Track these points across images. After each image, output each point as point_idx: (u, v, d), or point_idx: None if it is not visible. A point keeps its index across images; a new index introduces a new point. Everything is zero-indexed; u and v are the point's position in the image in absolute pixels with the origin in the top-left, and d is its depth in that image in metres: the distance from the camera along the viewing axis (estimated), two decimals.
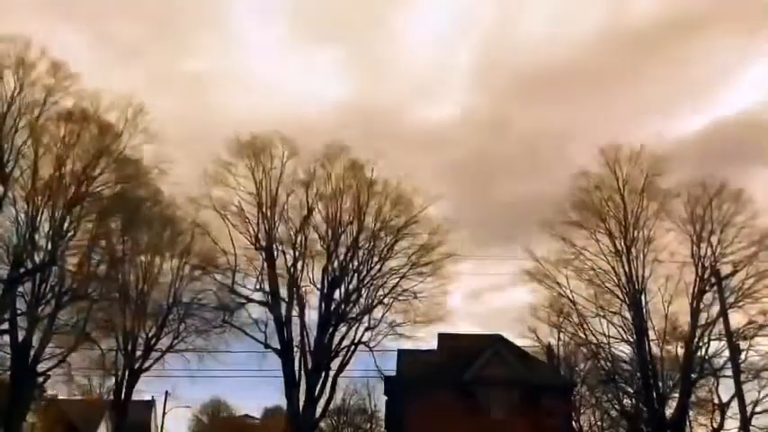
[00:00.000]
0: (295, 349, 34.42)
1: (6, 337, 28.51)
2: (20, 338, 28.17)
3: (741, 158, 65.17)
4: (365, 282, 35.63)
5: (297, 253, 35.58)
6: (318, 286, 35.40)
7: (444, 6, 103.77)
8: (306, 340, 34.49)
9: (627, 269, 34.74)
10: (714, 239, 34.14)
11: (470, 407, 32.92)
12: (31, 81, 28.80)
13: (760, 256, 33.25)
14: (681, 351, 34.02)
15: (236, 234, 35.24)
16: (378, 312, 35.51)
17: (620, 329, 34.88)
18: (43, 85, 28.97)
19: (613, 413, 38.95)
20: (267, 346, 34.35)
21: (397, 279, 35.66)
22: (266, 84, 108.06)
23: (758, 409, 33.33)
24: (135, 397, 37.76)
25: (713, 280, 31.03)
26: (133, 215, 31.84)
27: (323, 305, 35.11)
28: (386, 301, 35.61)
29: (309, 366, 34.13)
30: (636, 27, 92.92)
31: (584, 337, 36.64)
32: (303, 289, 35.32)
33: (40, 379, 30.72)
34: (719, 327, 30.59)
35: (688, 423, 35.03)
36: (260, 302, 35.22)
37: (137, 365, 35.70)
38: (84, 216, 30.08)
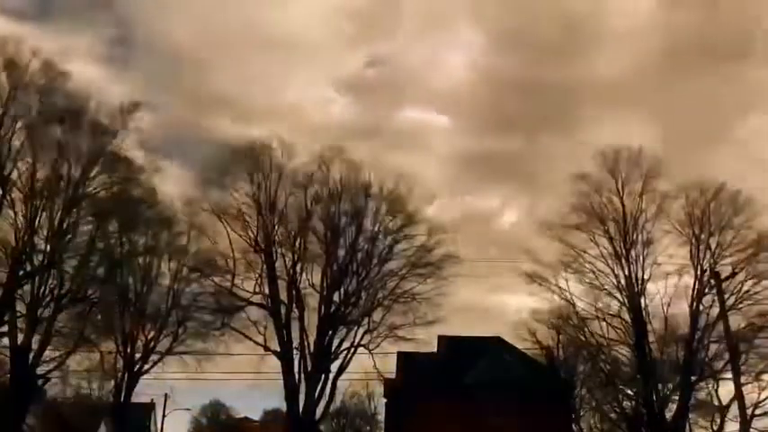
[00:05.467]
0: (294, 352, 34.43)
1: (6, 340, 28.47)
2: (19, 341, 28.13)
3: None
4: (364, 284, 35.68)
5: (296, 255, 35.64)
6: (318, 288, 35.45)
7: None
8: (305, 343, 34.51)
9: (626, 271, 34.75)
10: (713, 241, 34.15)
11: (470, 409, 32.86)
12: (24, 82, 28.72)
13: (759, 257, 33.24)
14: (680, 353, 34.00)
15: (234, 236, 35.35)
16: (377, 314, 35.57)
17: (620, 332, 34.90)
18: (37, 86, 28.91)
19: (613, 415, 38.83)
20: (266, 348, 34.37)
21: (397, 281, 35.70)
22: None
23: (758, 411, 33.25)
24: (134, 399, 37.71)
25: (712, 282, 31.02)
26: (130, 217, 31.81)
27: (322, 307, 35.11)
28: (385, 303, 35.65)
29: (309, 369, 34.12)
30: None
31: (583, 339, 36.62)
32: (302, 291, 35.37)
33: (40, 382, 30.64)
34: (719, 329, 30.58)
35: (688, 425, 34.94)
36: (259, 305, 35.23)
37: (136, 368, 35.67)
38: (82, 218, 30.06)
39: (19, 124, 28.61)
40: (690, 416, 34.69)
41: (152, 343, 35.93)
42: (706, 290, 32.85)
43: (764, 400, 33.11)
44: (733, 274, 30.58)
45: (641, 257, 34.77)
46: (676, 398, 33.79)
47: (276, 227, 35.76)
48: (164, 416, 50.49)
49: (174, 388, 43.84)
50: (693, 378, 33.75)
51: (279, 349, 34.25)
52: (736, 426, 29.99)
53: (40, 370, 29.52)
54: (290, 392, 33.83)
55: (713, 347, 33.13)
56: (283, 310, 34.78)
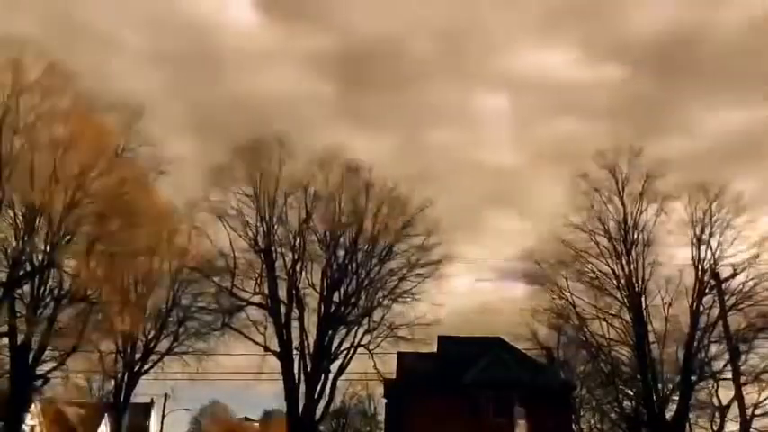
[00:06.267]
0: (294, 352, 34.42)
1: (5, 340, 28.45)
2: (19, 341, 28.11)
3: None
4: (364, 284, 35.67)
5: (296, 255, 35.64)
6: (318, 288, 35.44)
7: None
8: (305, 343, 34.52)
9: (627, 271, 34.71)
10: (714, 242, 34.11)
11: (470, 409, 32.86)
12: (28, 83, 28.67)
13: (760, 258, 33.21)
14: (680, 353, 33.99)
15: (234, 236, 35.36)
16: (377, 314, 35.57)
17: (620, 332, 34.88)
18: (40, 87, 28.87)
19: (613, 415, 38.88)
20: (266, 348, 34.36)
21: (397, 281, 35.69)
22: None
23: (758, 411, 33.22)
24: (134, 399, 37.75)
25: (713, 282, 31.02)
26: (131, 217, 31.77)
27: (322, 307, 35.10)
28: (385, 303, 35.66)
29: (309, 369, 34.11)
30: None
31: (583, 339, 36.61)
32: (302, 291, 35.39)
33: (39, 381, 30.62)
34: (719, 329, 30.58)
35: (688, 425, 34.94)
36: (259, 305, 35.24)
37: (136, 368, 35.66)
38: (82, 218, 30.00)
39: (20, 124, 28.55)
40: (690, 416, 34.68)
41: (152, 343, 35.91)
42: (706, 290, 32.83)
43: (764, 400, 33.09)
44: (733, 275, 30.59)
45: (642, 257, 34.77)
46: (676, 398, 33.78)
47: (276, 226, 35.79)
48: (164, 416, 50.53)
49: (174, 388, 43.83)
50: (693, 378, 33.74)
51: (279, 349, 34.25)
52: (737, 426, 30.04)
53: (40, 370, 29.51)
54: (290, 392, 33.83)
55: (713, 347, 33.20)
56: (283, 310, 34.79)
